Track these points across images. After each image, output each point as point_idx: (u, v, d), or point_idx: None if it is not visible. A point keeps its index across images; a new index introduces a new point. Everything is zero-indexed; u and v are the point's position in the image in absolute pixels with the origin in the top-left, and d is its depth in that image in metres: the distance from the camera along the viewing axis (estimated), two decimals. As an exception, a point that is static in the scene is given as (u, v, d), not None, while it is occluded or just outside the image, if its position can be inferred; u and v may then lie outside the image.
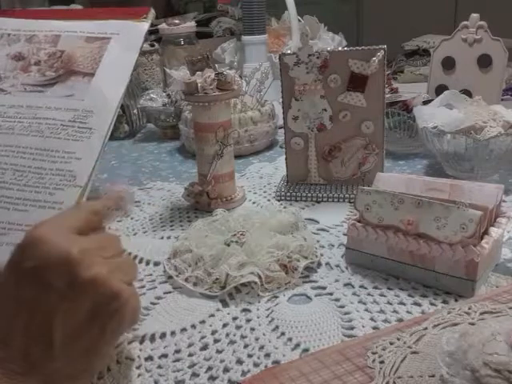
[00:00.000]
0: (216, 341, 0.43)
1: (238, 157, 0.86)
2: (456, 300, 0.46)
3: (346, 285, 0.50)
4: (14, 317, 0.33)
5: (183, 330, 0.45)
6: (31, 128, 0.57)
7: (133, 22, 0.65)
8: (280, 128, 0.90)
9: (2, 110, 0.59)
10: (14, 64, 0.63)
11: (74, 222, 0.36)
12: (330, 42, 1.32)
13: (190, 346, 0.43)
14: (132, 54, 0.62)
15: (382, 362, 0.36)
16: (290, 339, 0.42)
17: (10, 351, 0.32)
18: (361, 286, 0.49)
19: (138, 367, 0.41)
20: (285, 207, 0.67)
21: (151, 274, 0.54)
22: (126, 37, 0.64)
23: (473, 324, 0.39)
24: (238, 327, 0.45)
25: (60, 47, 0.64)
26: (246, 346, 0.42)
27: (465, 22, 0.93)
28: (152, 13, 0.66)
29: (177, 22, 1.22)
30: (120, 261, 0.37)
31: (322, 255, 0.55)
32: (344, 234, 0.59)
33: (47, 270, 0.32)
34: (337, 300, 0.48)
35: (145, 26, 0.65)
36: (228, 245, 0.52)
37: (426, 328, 0.39)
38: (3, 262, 0.44)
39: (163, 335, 0.44)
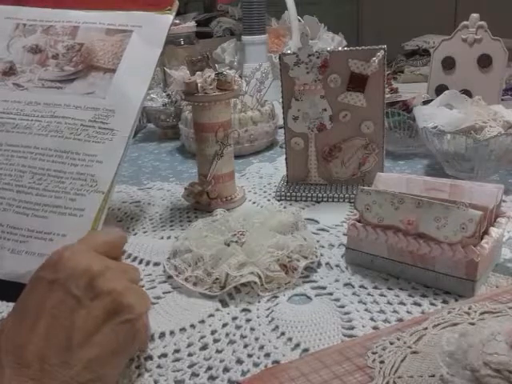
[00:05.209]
0: (216, 341, 0.43)
1: (238, 157, 0.86)
2: (456, 300, 0.46)
3: (346, 285, 0.50)
4: (35, 323, 0.34)
5: (182, 329, 0.45)
6: (50, 127, 0.52)
7: (156, 13, 0.60)
8: (280, 128, 0.90)
9: (19, 107, 0.54)
10: (30, 57, 0.58)
11: (95, 245, 0.39)
12: (330, 41, 1.32)
13: (189, 345, 0.43)
14: (155, 48, 0.57)
15: (382, 362, 0.36)
16: (289, 339, 0.42)
17: (27, 356, 0.33)
18: (361, 286, 0.49)
19: (138, 367, 0.41)
20: (285, 207, 0.68)
21: (151, 274, 0.54)
22: (148, 30, 0.59)
23: (473, 324, 0.39)
24: (238, 327, 0.45)
25: (79, 40, 0.59)
26: (245, 346, 0.42)
27: (465, 22, 0.93)
28: (176, 4, 0.61)
29: (177, 22, 1.22)
30: (136, 287, 0.40)
31: (321, 255, 0.55)
32: (344, 234, 0.59)
33: (69, 280, 0.35)
34: (337, 300, 0.48)
35: (169, 18, 0.59)
36: (228, 245, 0.52)
37: (426, 328, 0.39)
38: (22, 272, 0.43)
39: (162, 335, 0.44)
